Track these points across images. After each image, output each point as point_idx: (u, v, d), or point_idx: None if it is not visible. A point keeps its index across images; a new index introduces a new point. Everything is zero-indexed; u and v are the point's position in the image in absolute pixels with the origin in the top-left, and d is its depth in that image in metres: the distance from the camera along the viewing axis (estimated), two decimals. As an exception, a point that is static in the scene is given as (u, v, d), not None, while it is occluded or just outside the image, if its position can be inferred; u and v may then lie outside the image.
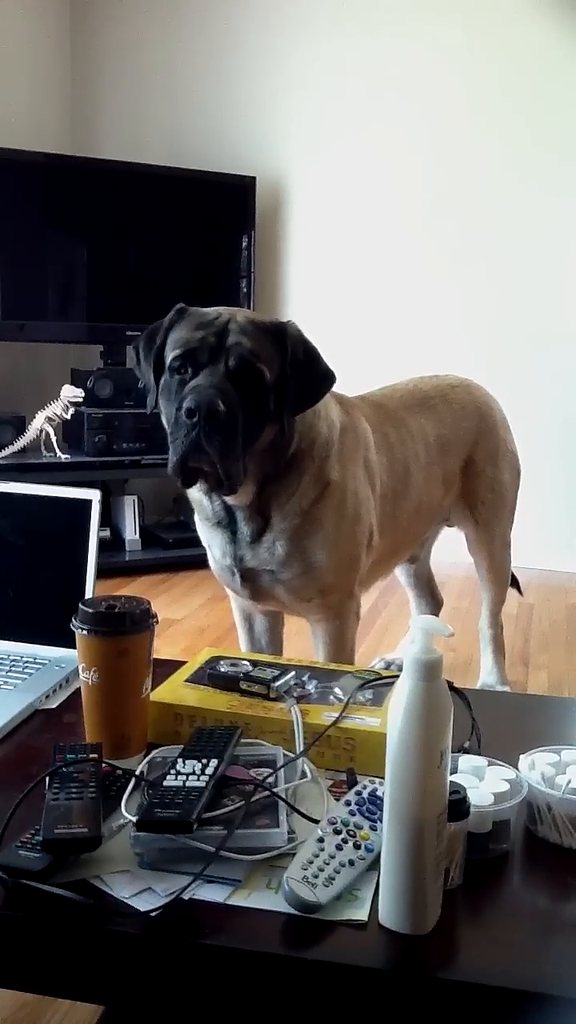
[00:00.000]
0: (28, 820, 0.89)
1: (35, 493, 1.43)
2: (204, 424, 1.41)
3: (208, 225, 3.78)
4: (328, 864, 0.85)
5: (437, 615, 2.58)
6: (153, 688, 1.13)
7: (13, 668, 1.32)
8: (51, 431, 3.43)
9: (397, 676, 0.84)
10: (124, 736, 1.08)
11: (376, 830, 0.89)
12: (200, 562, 1.91)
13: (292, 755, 1.03)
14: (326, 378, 1.58)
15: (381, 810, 0.85)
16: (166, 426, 1.53)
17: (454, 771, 0.97)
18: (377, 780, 0.95)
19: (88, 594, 1.35)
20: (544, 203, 3.66)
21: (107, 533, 3.61)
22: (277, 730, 1.09)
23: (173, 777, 0.93)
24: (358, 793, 0.95)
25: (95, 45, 4.06)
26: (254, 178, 3.81)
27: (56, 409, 3.41)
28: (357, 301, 3.91)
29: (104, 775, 0.97)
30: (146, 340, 1.57)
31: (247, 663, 1.22)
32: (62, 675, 1.30)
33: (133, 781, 0.97)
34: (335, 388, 1.63)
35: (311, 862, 0.85)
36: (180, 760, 0.96)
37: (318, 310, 3.85)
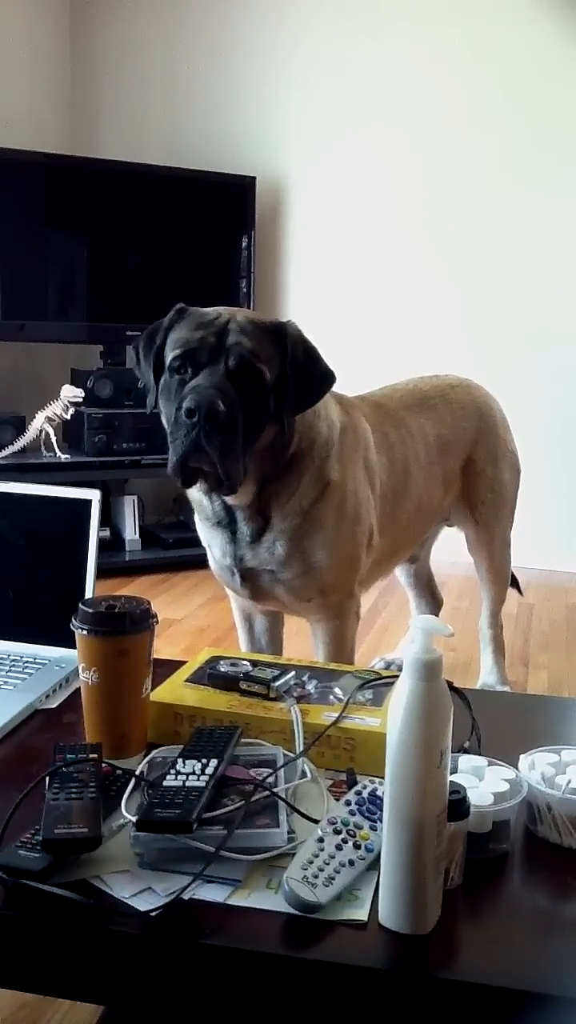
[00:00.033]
0: (28, 820, 0.89)
1: (35, 493, 1.43)
2: (204, 424, 1.41)
3: (208, 225, 3.78)
4: (328, 864, 0.85)
5: (437, 615, 2.58)
6: (153, 688, 1.13)
7: (13, 668, 1.32)
8: (51, 431, 3.43)
9: (397, 676, 0.84)
10: (124, 736, 1.08)
11: (376, 830, 0.89)
12: (200, 562, 1.91)
13: (292, 755, 1.03)
14: (326, 378, 1.58)
15: (381, 810, 0.85)
16: (166, 426, 1.53)
17: (454, 771, 0.97)
18: (377, 780, 0.95)
19: (88, 594, 1.35)
20: (544, 203, 3.66)
21: (107, 533, 3.61)
22: (277, 730, 1.09)
23: (173, 777, 0.93)
24: (358, 793, 0.95)
25: (95, 45, 4.06)
26: (254, 178, 3.81)
27: (56, 409, 3.41)
28: (357, 301, 3.91)
29: (104, 775, 0.97)
30: (146, 340, 1.57)
31: (247, 663, 1.22)
32: (62, 675, 1.30)
33: (133, 781, 0.97)
34: (335, 388, 1.63)
35: (311, 862, 0.85)
36: (180, 760, 0.96)
37: (318, 310, 3.85)
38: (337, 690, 1.17)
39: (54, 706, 1.25)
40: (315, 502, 1.63)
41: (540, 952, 0.82)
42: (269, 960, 0.79)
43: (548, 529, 3.70)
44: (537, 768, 0.98)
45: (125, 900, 0.84)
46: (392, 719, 0.80)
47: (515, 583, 2.57)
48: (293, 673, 1.19)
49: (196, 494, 1.68)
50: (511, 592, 2.53)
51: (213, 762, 0.95)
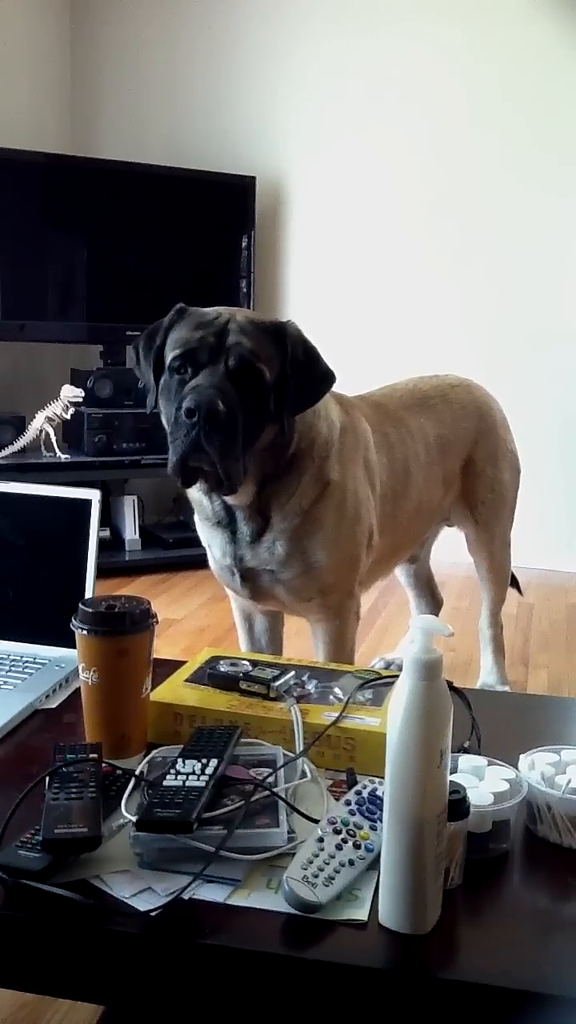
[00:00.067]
0: (28, 820, 0.89)
1: (35, 493, 1.43)
2: (204, 424, 1.41)
3: (208, 225, 3.78)
4: (328, 864, 0.85)
5: (437, 615, 2.58)
6: (153, 688, 1.13)
7: (13, 668, 1.32)
8: (51, 431, 3.43)
9: (397, 676, 0.84)
10: (124, 736, 1.08)
11: (376, 830, 0.89)
12: (200, 562, 1.91)
13: (292, 755, 1.03)
14: (326, 378, 1.58)
15: (381, 810, 0.85)
16: (166, 426, 1.53)
17: (454, 771, 0.97)
18: (377, 780, 0.95)
19: (88, 594, 1.34)
20: (544, 203, 3.66)
21: (107, 533, 3.61)
22: (277, 730, 1.09)
23: (173, 777, 0.93)
24: (358, 793, 0.95)
25: (95, 45, 4.06)
26: (254, 178, 3.81)
27: (56, 409, 3.41)
28: (357, 301, 3.91)
29: (104, 775, 0.97)
30: (146, 340, 1.57)
31: (247, 663, 1.22)
32: (62, 675, 1.30)
33: (133, 781, 0.97)
34: (335, 388, 1.63)
35: (311, 862, 0.85)
36: (180, 760, 0.96)
37: (318, 310, 3.85)
38: (337, 690, 1.17)
39: (54, 706, 1.25)
40: (315, 502, 1.63)
41: (540, 952, 0.82)
42: (269, 960, 0.79)
43: (548, 529, 3.70)
44: (537, 768, 0.98)
45: (125, 900, 0.84)
46: (392, 719, 0.80)
47: (515, 583, 2.57)
48: (293, 673, 1.19)
49: (196, 494, 1.68)
50: (511, 592, 2.53)
51: (213, 762, 0.95)
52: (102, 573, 1.43)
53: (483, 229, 3.75)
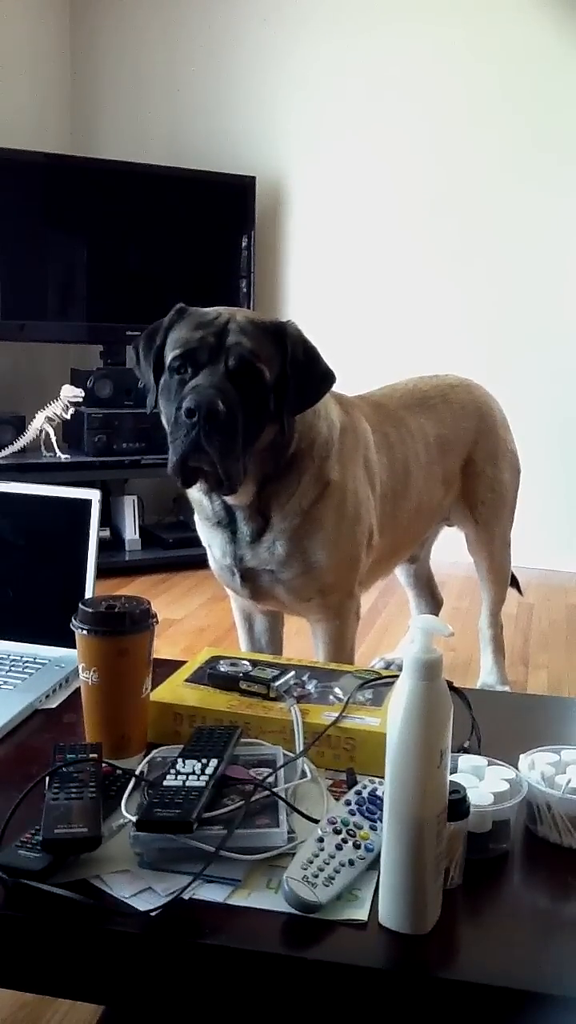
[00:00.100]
0: (28, 820, 0.89)
1: (35, 493, 1.43)
2: (204, 424, 1.41)
3: (208, 225, 3.78)
4: (328, 864, 0.85)
5: (437, 615, 2.58)
6: (153, 688, 1.13)
7: (13, 668, 1.32)
8: (51, 431, 3.43)
9: (397, 676, 0.84)
10: (124, 736, 1.08)
11: (376, 830, 0.89)
12: (200, 562, 1.91)
13: (292, 755, 1.03)
14: (326, 378, 1.58)
15: (381, 810, 0.85)
16: (166, 426, 1.53)
17: (454, 771, 0.97)
18: (377, 780, 0.95)
19: (88, 594, 1.34)
20: (544, 203, 3.66)
21: (107, 533, 3.61)
22: (277, 730, 1.09)
23: (173, 777, 0.93)
24: (358, 793, 0.95)
25: (95, 45, 4.06)
26: (254, 178, 3.81)
27: (56, 409, 3.41)
28: (357, 301, 3.91)
29: (104, 775, 0.97)
30: (146, 340, 1.57)
31: (247, 663, 1.22)
32: (62, 675, 1.30)
33: (133, 781, 0.97)
34: (335, 388, 1.63)
35: (311, 862, 0.85)
36: (180, 760, 0.96)
37: (318, 310, 3.85)
38: (337, 690, 1.17)
39: (54, 706, 1.25)
40: (315, 502, 1.63)
41: (540, 952, 0.82)
42: (269, 960, 0.79)
43: (548, 529, 3.70)
44: (537, 768, 0.98)
45: (125, 900, 0.84)
46: (392, 719, 0.80)
47: (515, 583, 2.57)
48: (293, 673, 1.19)
49: (196, 494, 1.68)
50: (511, 592, 2.53)
51: (213, 762, 0.95)
52: (102, 573, 1.43)
53: (483, 229, 3.75)
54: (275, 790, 0.95)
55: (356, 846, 0.88)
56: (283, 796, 0.94)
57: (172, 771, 0.94)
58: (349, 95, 3.83)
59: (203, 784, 0.91)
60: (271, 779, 0.97)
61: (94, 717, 1.08)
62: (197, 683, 1.18)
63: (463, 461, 2.18)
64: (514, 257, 3.73)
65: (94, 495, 1.38)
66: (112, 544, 3.61)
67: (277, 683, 1.15)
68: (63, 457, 3.45)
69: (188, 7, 3.94)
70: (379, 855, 0.84)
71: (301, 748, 1.04)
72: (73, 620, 1.07)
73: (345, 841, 0.89)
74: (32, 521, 1.43)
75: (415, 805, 0.79)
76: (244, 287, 3.85)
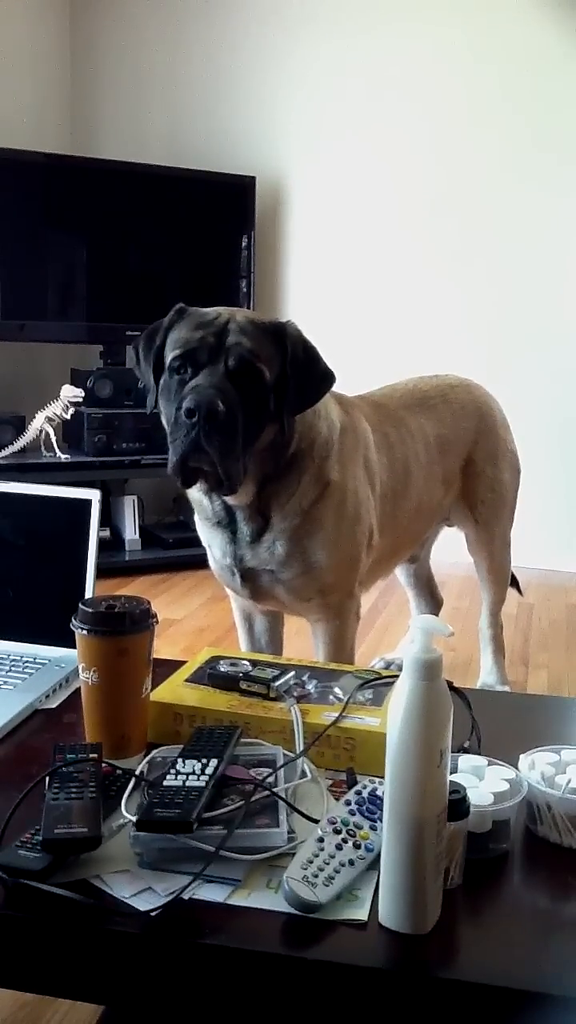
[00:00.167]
0: (28, 820, 0.89)
1: (35, 493, 1.43)
2: (204, 424, 1.41)
3: (208, 225, 3.78)
4: (328, 864, 0.85)
5: (437, 615, 2.58)
6: (153, 688, 1.13)
7: (13, 668, 1.32)
8: (51, 431, 3.43)
9: (397, 676, 0.84)
10: (124, 736, 1.08)
11: (376, 830, 0.89)
12: (200, 562, 1.91)
13: (292, 755, 1.03)
14: (326, 378, 1.58)
15: (381, 810, 0.85)
16: (166, 426, 1.53)
17: (454, 771, 0.97)
18: (377, 780, 0.95)
19: (88, 594, 1.35)
20: (544, 203, 3.66)
21: (107, 533, 3.61)
22: (277, 730, 1.09)
23: (173, 777, 0.93)
24: (358, 793, 0.95)
25: (95, 45, 4.06)
26: (254, 178, 3.81)
27: (56, 409, 3.41)
28: (357, 301, 3.91)
29: (104, 775, 0.97)
30: (146, 340, 1.58)
31: (247, 663, 1.22)
32: (62, 675, 1.30)
33: (133, 781, 0.97)
34: (335, 388, 1.63)
35: (311, 862, 0.85)
36: (180, 760, 0.96)
37: (318, 310, 3.85)
38: (337, 690, 1.17)
39: (54, 706, 1.25)
40: (315, 502, 1.63)
41: (540, 952, 0.82)
42: (269, 960, 0.79)
43: (548, 529, 3.70)
44: (537, 768, 0.98)
45: (125, 900, 0.84)
46: (392, 719, 0.80)
47: (515, 583, 2.57)
48: (293, 673, 1.19)
49: (196, 494, 1.68)
50: (511, 592, 2.53)
51: (213, 762, 0.95)
52: (102, 573, 1.43)
53: (483, 229, 3.75)
54: (275, 790, 0.95)
55: (356, 846, 0.88)
56: (283, 796, 0.94)
57: (172, 771, 0.94)
58: (349, 95, 3.83)
59: (203, 784, 0.91)
60: (271, 779, 0.97)
61: (94, 717, 1.08)
62: (197, 683, 1.18)
63: (463, 461, 2.18)
64: (514, 257, 3.73)
65: (94, 495, 1.38)
66: (112, 544, 3.61)
67: (277, 683, 1.15)
68: (63, 457, 3.45)
69: (188, 7, 3.94)
70: (379, 855, 0.84)
71: (301, 748, 1.04)
72: (73, 620, 1.07)
73: (345, 841, 0.89)
74: (32, 521, 1.43)
75: (415, 805, 0.79)
76: (244, 287, 3.85)
